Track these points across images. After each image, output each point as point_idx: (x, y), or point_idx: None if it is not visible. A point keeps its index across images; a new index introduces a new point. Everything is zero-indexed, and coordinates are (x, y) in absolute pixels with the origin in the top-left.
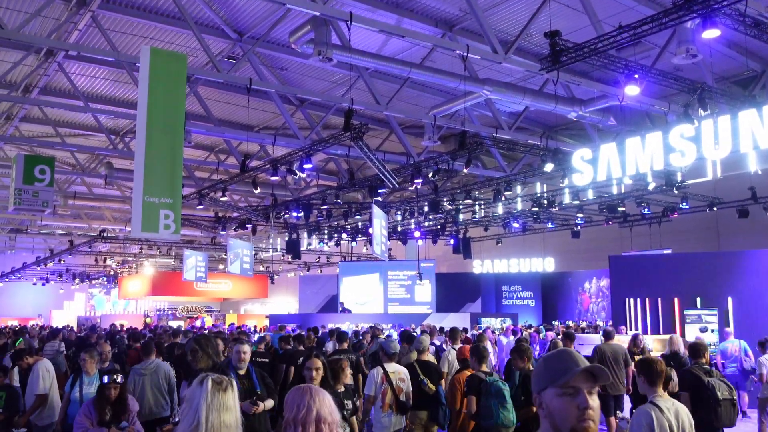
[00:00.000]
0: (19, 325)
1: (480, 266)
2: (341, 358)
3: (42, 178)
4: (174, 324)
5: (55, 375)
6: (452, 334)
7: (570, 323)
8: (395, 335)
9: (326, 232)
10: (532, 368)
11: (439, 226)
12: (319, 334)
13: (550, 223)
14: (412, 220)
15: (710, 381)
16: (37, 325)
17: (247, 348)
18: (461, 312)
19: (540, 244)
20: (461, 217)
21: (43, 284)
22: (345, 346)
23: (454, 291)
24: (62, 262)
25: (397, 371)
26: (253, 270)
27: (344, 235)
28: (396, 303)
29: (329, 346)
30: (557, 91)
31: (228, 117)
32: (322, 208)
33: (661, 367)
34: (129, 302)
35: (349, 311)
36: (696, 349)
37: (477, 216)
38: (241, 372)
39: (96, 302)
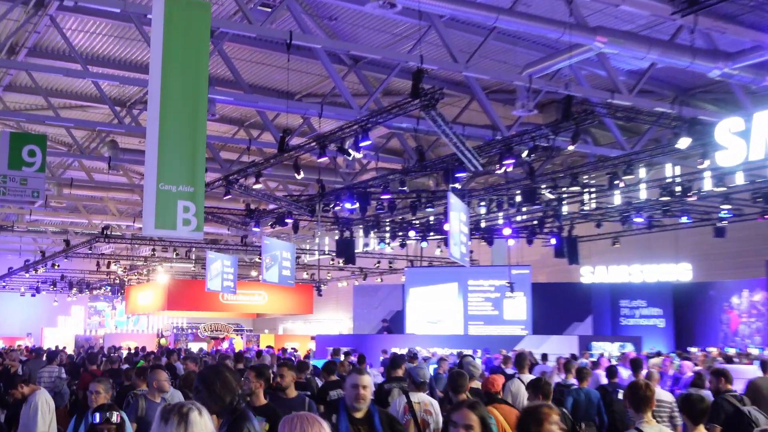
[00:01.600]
0: (4, 347)
1: (590, 274)
2: (392, 386)
3: (31, 161)
4: (195, 347)
5: (55, 410)
6: (519, 361)
7: (713, 350)
8: (479, 361)
9: (388, 229)
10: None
11: (536, 222)
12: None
13: (685, 218)
14: (501, 214)
15: None
16: (21, 346)
17: (367, 380)
18: (566, 334)
19: (671, 245)
20: (565, 209)
21: (33, 295)
22: (400, 372)
23: (556, 306)
24: (56, 267)
25: (424, 402)
26: (295, 278)
27: (411, 234)
28: (479, 322)
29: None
30: (695, 41)
31: (262, 82)
32: (382, 198)
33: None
34: (138, 318)
35: (389, 331)
36: None
37: (587, 208)
38: (359, 414)
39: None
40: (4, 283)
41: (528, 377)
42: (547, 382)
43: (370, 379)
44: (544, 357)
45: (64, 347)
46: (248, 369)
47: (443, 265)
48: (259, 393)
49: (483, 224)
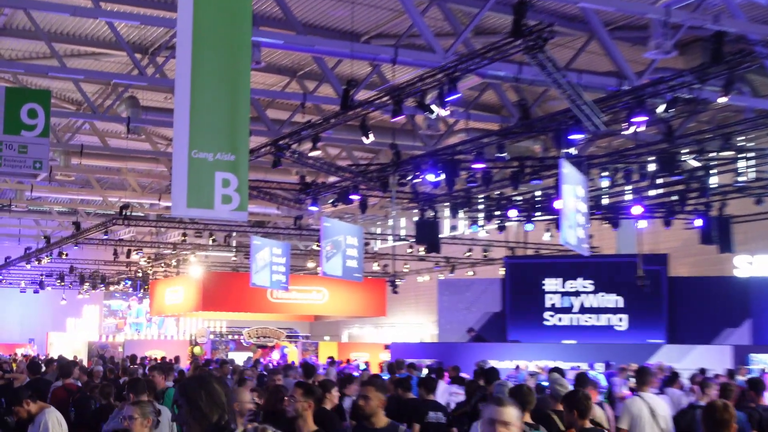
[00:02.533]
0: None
1: (748, 265)
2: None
3: (31, 123)
4: (239, 357)
5: None
6: (641, 375)
7: None
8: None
9: (482, 207)
10: None
11: (675, 198)
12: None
13: None
14: (629, 188)
15: None
16: (18, 357)
17: (511, 415)
18: (716, 343)
19: None
20: (714, 180)
21: (36, 291)
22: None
23: (702, 308)
24: (64, 257)
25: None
26: (363, 271)
27: (512, 213)
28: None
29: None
30: None
31: (320, 20)
32: (474, 167)
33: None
34: (165, 321)
35: (479, 340)
36: None
37: (743, 179)
38: None
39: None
40: (0, 276)
41: (650, 396)
42: (585, 395)
43: (516, 413)
44: (673, 377)
45: (81, 359)
46: (294, 386)
47: (555, 254)
48: (308, 417)
49: (605, 201)
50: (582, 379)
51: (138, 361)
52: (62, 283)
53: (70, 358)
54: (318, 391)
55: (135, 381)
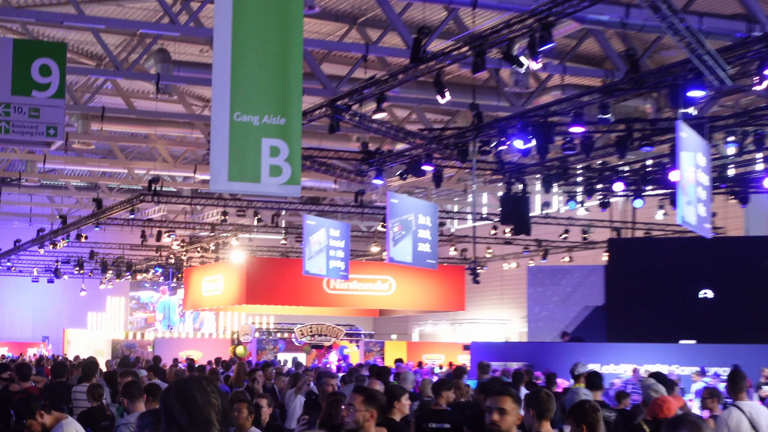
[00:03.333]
0: (12, 356)
1: None
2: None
3: (44, 82)
4: (288, 359)
5: None
6: (732, 381)
7: None
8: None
9: (581, 180)
10: None
11: None
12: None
13: None
14: (760, 156)
15: None
16: (30, 356)
17: (508, 403)
18: None
19: None
20: None
21: (51, 281)
22: (599, 395)
23: None
24: (83, 240)
25: None
26: (438, 257)
27: (618, 187)
28: None
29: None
30: None
31: None
32: (572, 132)
33: None
34: (201, 316)
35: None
36: None
37: None
38: None
39: (160, 310)
40: (9, 263)
41: (749, 404)
42: (593, 407)
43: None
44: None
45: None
46: (353, 392)
47: (669, 236)
48: (369, 428)
49: (732, 172)
50: (662, 382)
51: (168, 364)
52: (81, 271)
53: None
54: (382, 399)
55: (131, 384)
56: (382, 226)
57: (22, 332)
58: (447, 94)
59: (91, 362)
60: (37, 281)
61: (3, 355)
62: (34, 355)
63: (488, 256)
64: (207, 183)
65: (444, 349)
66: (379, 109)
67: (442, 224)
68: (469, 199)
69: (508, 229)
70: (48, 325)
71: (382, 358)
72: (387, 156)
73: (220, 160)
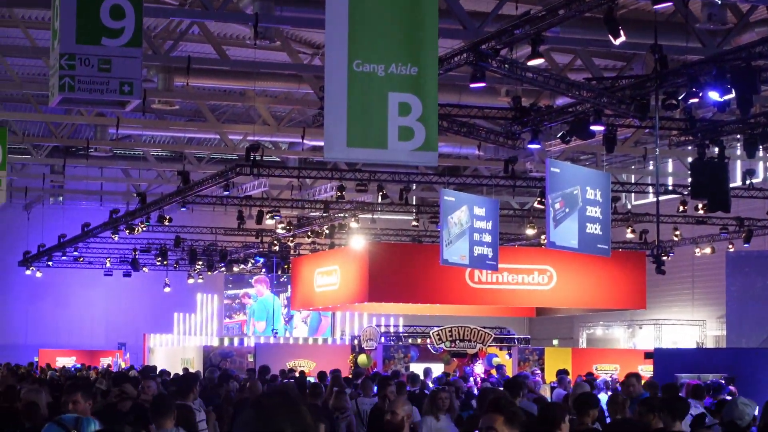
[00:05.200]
0: (74, 369)
1: None
2: None
3: (117, 27)
4: (418, 370)
5: None
6: None
7: None
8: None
9: None
10: None
11: None
12: None
13: None
14: None
15: None
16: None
17: (494, 419)
18: None
19: None
20: None
21: (127, 274)
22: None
23: None
24: (167, 223)
25: None
26: (611, 241)
27: None
28: None
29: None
30: None
31: None
32: None
33: None
34: (313, 317)
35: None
36: None
37: None
38: None
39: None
40: (76, 252)
41: None
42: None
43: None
44: None
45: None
46: (491, 410)
47: None
48: None
49: None
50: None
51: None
52: (164, 262)
53: (178, 370)
54: (521, 418)
55: (162, 399)
56: (540, 203)
57: (93, 338)
58: (622, 33)
59: (190, 377)
60: (111, 275)
61: (63, 367)
62: (109, 366)
63: (675, 239)
64: (319, 150)
65: (619, 357)
66: (534, 54)
67: (616, 199)
68: (651, 167)
69: (700, 205)
70: (124, 330)
71: (541, 369)
72: (545, 114)
73: (337, 121)
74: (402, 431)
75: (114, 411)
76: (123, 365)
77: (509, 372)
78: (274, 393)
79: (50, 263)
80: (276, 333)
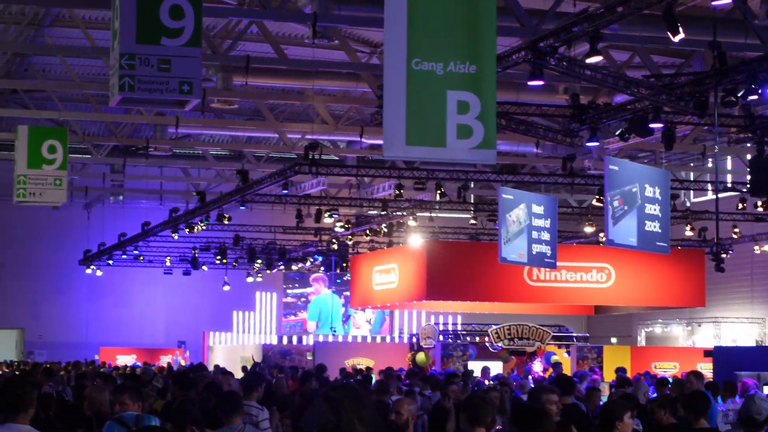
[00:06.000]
0: (130, 366)
1: None
2: None
3: (177, 27)
4: (476, 369)
5: None
6: None
7: None
8: None
9: None
10: None
11: None
12: None
13: None
14: None
15: None
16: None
17: None
18: None
19: None
20: None
21: (187, 272)
22: None
23: None
24: (226, 222)
25: None
26: (670, 238)
27: None
28: None
29: None
30: None
31: None
32: None
33: None
34: (377, 316)
35: None
36: None
37: None
38: None
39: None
40: (136, 251)
41: None
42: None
43: None
44: None
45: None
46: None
47: None
48: None
49: None
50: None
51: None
52: (224, 261)
53: (237, 368)
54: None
55: (229, 395)
56: (598, 200)
57: (153, 336)
58: (680, 30)
59: (255, 375)
60: (171, 273)
61: (126, 366)
62: (169, 364)
63: (735, 236)
64: (377, 149)
65: (678, 355)
66: (593, 52)
67: (675, 197)
68: (710, 164)
69: (759, 202)
70: (184, 328)
71: (600, 367)
72: (603, 111)
73: (396, 120)
74: (407, 431)
75: (181, 408)
76: (183, 363)
77: (567, 370)
78: (343, 387)
79: (110, 262)
80: (335, 331)
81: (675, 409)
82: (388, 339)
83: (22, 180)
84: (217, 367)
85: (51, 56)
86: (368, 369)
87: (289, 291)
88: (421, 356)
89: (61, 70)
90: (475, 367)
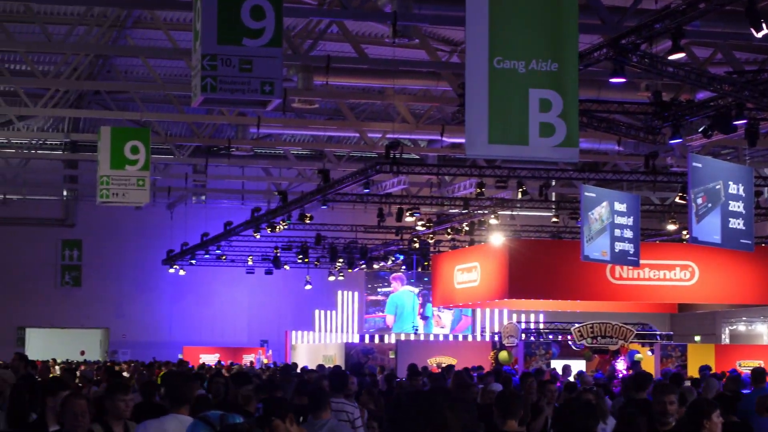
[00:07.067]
0: (213, 366)
1: None
2: None
3: (258, 27)
4: (559, 367)
5: None
6: None
7: None
8: None
9: None
10: None
11: None
12: None
13: None
14: None
15: None
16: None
17: None
18: None
19: None
20: None
21: (269, 272)
22: None
23: None
24: (308, 221)
25: None
26: (754, 236)
27: None
28: None
29: None
30: None
31: None
32: None
33: None
34: (453, 314)
35: None
36: None
37: None
38: None
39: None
40: (218, 251)
41: None
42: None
43: None
44: None
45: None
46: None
47: None
48: None
49: None
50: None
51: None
52: (305, 260)
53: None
54: None
55: (320, 393)
56: (681, 198)
57: (235, 335)
58: (764, 26)
59: (340, 373)
60: (253, 272)
61: (204, 364)
62: (252, 363)
63: None
64: (458, 148)
65: (764, 353)
66: (675, 49)
67: (758, 194)
68: None
69: None
70: (267, 327)
71: (684, 366)
72: (686, 108)
73: (478, 119)
74: None
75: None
76: (265, 362)
77: (651, 369)
78: (435, 389)
79: (193, 262)
80: (416, 330)
81: (730, 408)
82: (470, 338)
83: (106, 181)
84: (321, 366)
85: (133, 58)
86: (466, 369)
87: (379, 290)
88: (503, 355)
89: (144, 71)
90: (558, 365)
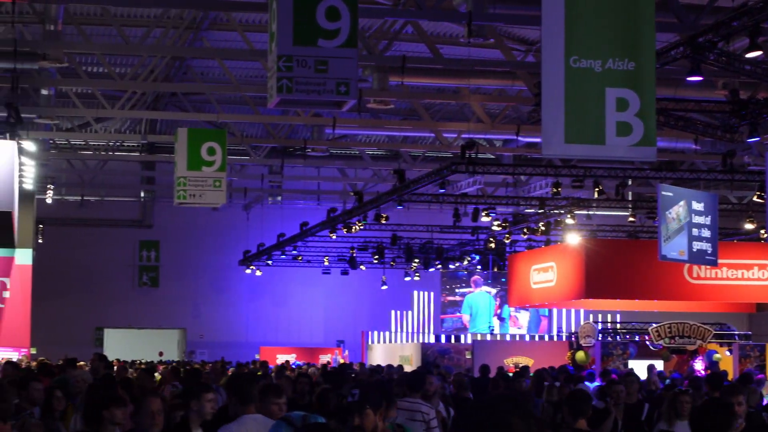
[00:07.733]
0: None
1: None
2: None
3: (333, 28)
4: (639, 366)
5: None
6: None
7: None
8: None
9: None
10: None
11: None
12: None
13: None
14: None
15: None
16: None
17: None
18: None
19: None
20: None
21: (345, 272)
22: None
23: None
24: (384, 221)
25: None
26: None
27: None
28: None
29: None
30: None
31: None
32: None
33: None
34: (532, 315)
35: None
36: None
37: None
38: None
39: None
40: (295, 251)
41: None
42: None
43: None
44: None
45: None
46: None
47: None
48: None
49: None
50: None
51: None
52: (381, 260)
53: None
54: None
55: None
56: (759, 197)
57: (312, 336)
58: None
59: (420, 373)
60: (329, 273)
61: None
62: (328, 363)
63: None
64: (534, 147)
65: None
66: (753, 46)
67: None
68: None
69: None
70: (343, 328)
71: (762, 366)
72: (763, 106)
73: (554, 118)
74: None
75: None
76: (341, 362)
77: (729, 369)
78: (507, 396)
79: (270, 262)
80: (492, 330)
81: None
82: (546, 337)
83: (183, 182)
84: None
85: (209, 59)
86: (542, 369)
87: (457, 290)
88: (580, 355)
89: (219, 72)
90: (635, 365)
